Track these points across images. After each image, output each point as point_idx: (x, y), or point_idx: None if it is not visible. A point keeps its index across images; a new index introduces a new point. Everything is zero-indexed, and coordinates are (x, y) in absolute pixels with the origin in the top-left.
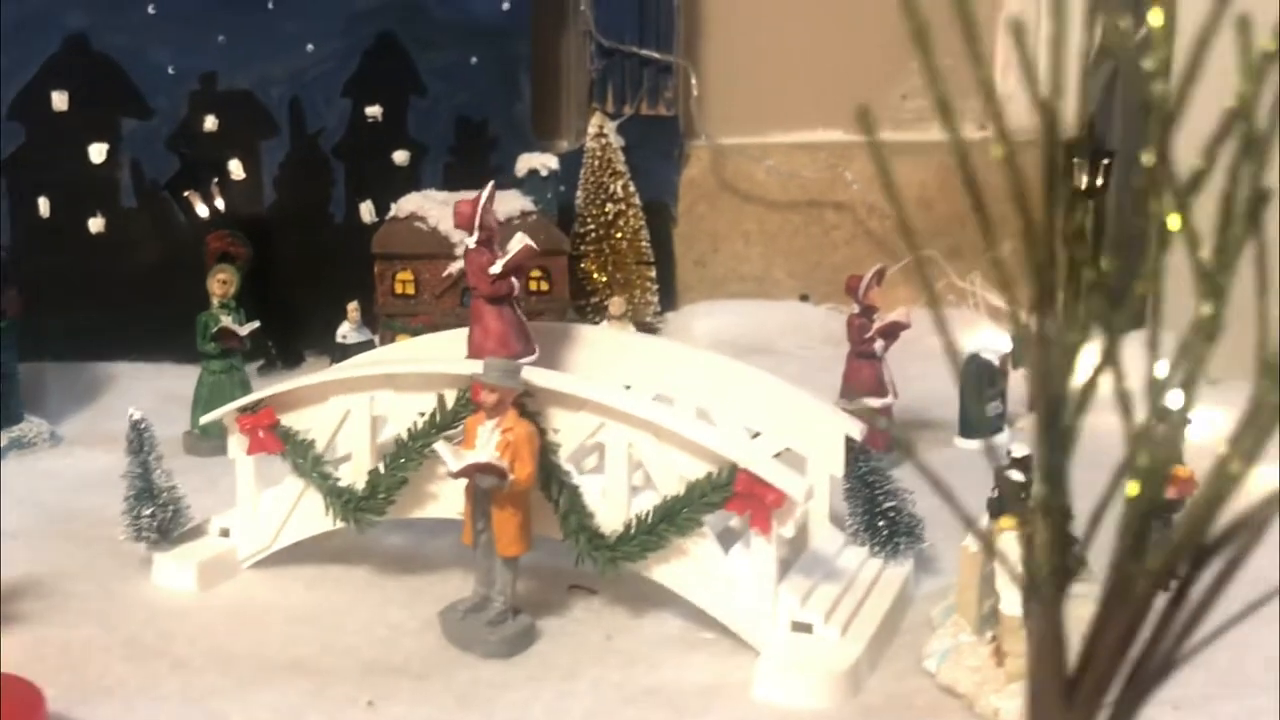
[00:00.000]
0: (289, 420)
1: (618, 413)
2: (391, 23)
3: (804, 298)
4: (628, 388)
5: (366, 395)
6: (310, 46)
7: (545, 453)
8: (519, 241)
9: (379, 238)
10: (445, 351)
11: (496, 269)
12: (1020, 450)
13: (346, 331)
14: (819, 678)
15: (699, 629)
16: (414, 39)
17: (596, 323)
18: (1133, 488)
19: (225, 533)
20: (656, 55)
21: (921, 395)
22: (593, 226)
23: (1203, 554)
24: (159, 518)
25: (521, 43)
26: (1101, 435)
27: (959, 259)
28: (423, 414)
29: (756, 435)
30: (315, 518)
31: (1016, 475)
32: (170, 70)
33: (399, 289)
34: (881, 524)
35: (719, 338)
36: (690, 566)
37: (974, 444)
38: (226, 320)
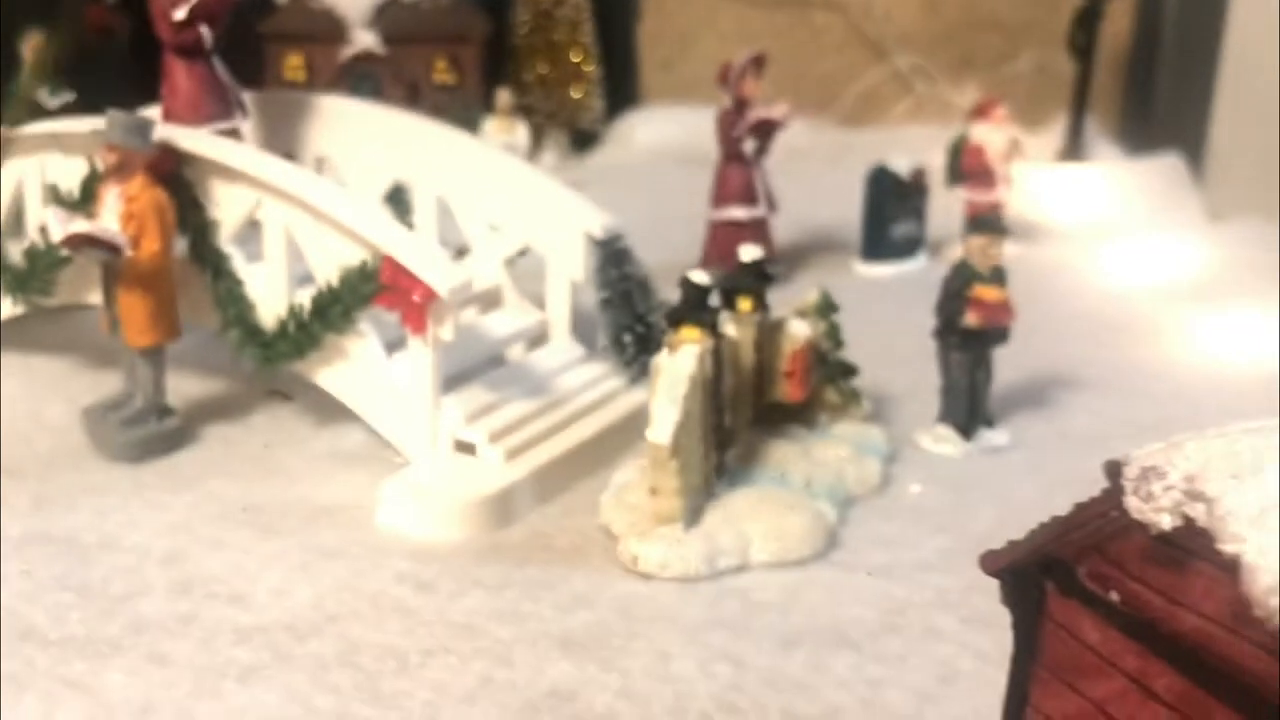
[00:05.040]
0: None
1: (272, 187)
2: None
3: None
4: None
5: (35, 159)
6: None
7: (201, 232)
8: None
9: (269, 19)
10: None
11: (180, 14)
12: (751, 254)
13: None
14: (447, 505)
15: (381, 446)
16: None
17: (535, 124)
18: None
19: None
20: None
21: (832, 215)
22: (529, 17)
23: None
24: None
25: None
26: None
27: (967, 70)
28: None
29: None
30: None
31: (699, 277)
32: None
33: (290, 75)
34: (629, 339)
35: (659, 147)
36: (353, 372)
37: (878, 269)
38: (39, 92)
